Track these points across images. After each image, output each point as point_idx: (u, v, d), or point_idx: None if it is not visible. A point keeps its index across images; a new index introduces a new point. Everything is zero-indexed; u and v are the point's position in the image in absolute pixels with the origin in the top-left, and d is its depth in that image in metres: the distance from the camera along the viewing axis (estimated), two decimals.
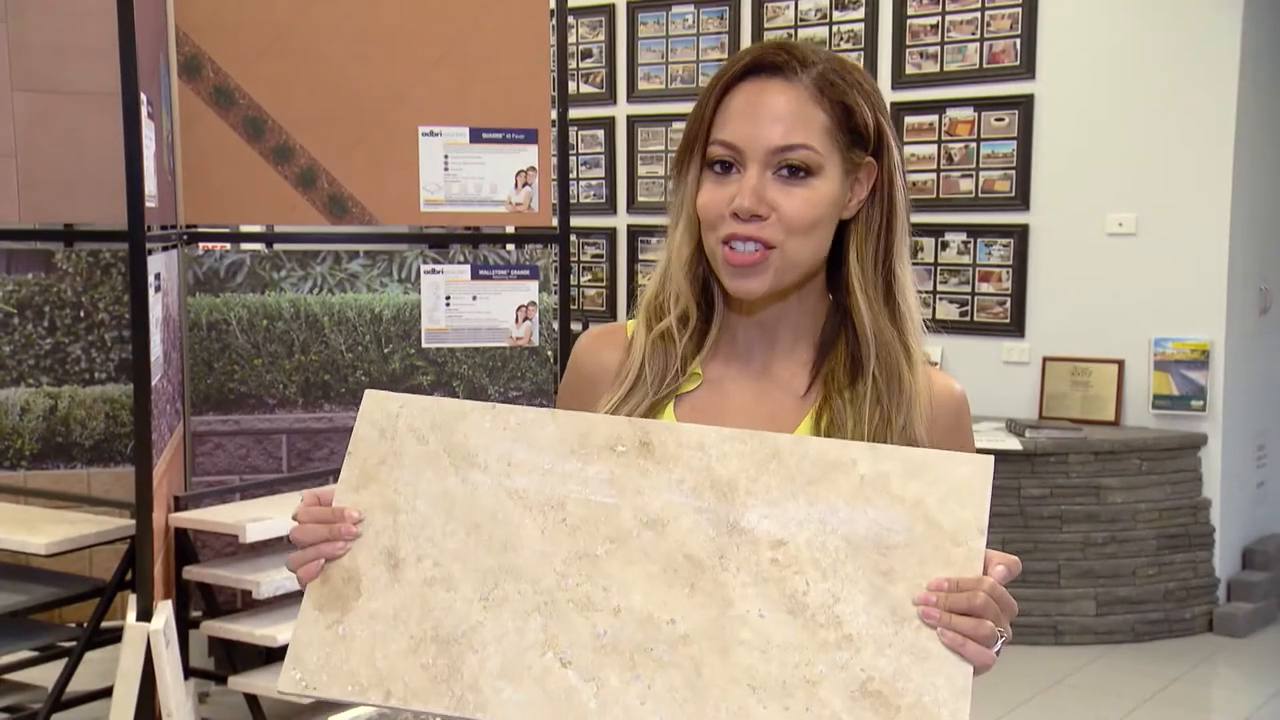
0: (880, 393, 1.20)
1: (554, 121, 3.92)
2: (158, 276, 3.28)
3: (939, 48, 5.36)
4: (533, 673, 1.05)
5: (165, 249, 3.52)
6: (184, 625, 3.34)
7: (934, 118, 5.34)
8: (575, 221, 5.21)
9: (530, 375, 3.95)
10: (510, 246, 4.01)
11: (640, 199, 6.26)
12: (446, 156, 3.85)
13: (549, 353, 3.96)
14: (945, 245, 5.34)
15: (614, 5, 6.27)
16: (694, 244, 1.24)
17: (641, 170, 6.25)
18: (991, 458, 1.07)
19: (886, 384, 1.20)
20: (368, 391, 1.17)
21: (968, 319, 5.31)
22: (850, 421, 1.21)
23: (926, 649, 1.00)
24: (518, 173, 3.89)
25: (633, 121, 6.26)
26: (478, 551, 1.10)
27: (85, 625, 3.33)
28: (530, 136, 3.89)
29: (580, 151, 6.36)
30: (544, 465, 1.11)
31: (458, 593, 1.09)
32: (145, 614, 3.02)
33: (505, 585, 1.08)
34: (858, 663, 1.00)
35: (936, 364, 5.22)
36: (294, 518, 1.13)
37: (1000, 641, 1.01)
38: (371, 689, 1.07)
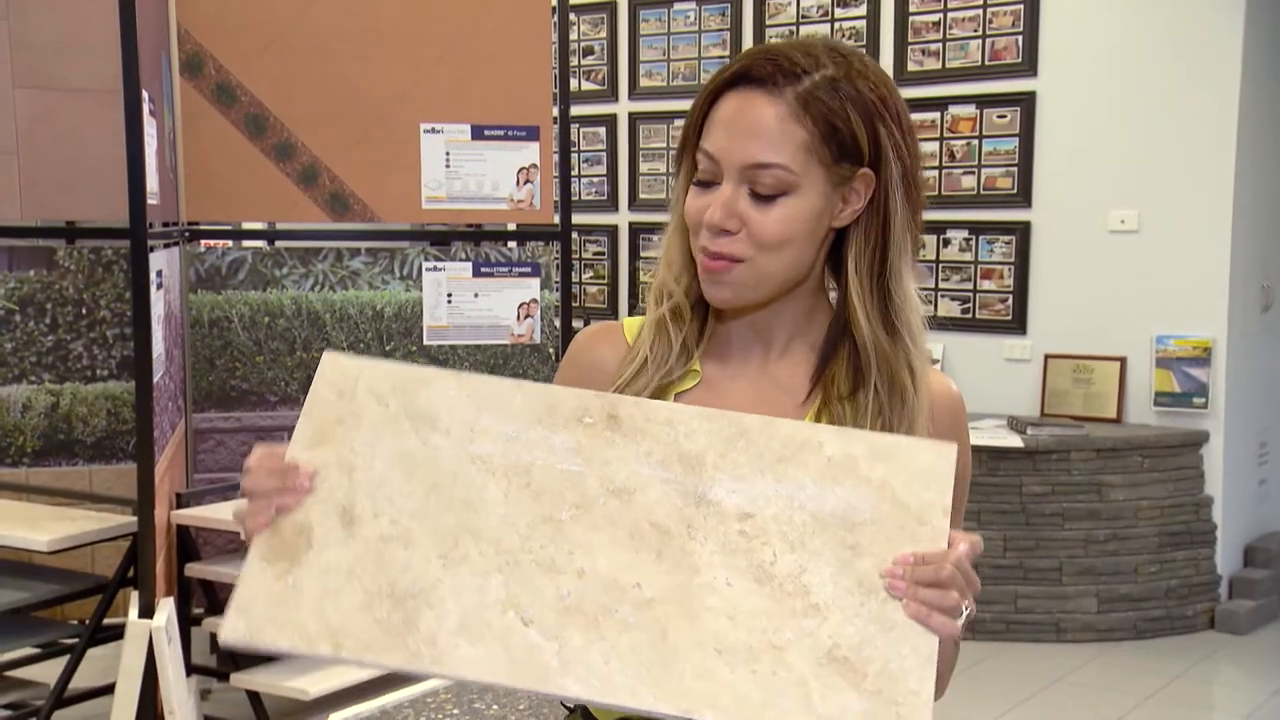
0: (882, 404, 1.20)
1: (555, 119, 3.92)
2: (159, 274, 3.29)
3: (941, 45, 5.35)
4: (493, 630, 1.01)
5: (167, 246, 3.52)
6: (186, 622, 3.34)
7: (936, 115, 5.33)
8: (577, 219, 5.22)
9: (531, 373, 3.95)
10: (512, 244, 4.01)
11: (642, 196, 6.26)
12: (448, 154, 3.85)
13: (550, 350, 3.96)
14: (947, 242, 5.34)
15: (615, 2, 6.27)
16: (683, 242, 1.25)
17: (643, 167, 6.25)
18: (955, 445, 1.08)
19: (889, 396, 1.20)
20: (326, 353, 1.13)
21: (969, 316, 5.31)
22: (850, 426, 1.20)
23: (892, 619, 1.01)
24: (519, 170, 3.89)
25: (634, 119, 6.26)
26: (437, 510, 1.06)
27: (87, 622, 3.33)
28: (532, 134, 3.89)
29: (582, 149, 6.36)
30: (509, 433, 1.08)
31: (415, 550, 1.04)
32: (147, 611, 3.02)
33: (465, 544, 1.05)
34: (825, 630, 1.01)
35: (938, 362, 5.22)
36: (245, 468, 1.08)
37: (965, 615, 1.02)
38: (321, 641, 1.02)
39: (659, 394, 1.24)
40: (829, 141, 1.17)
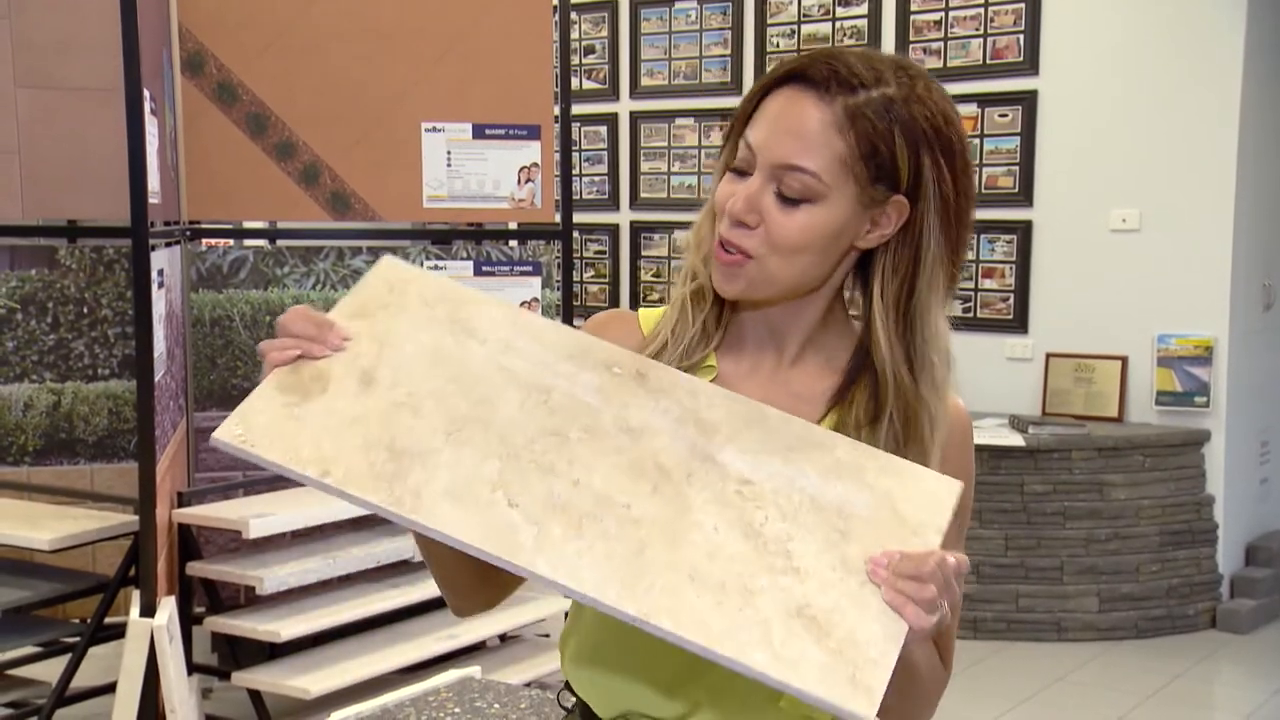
0: (897, 436, 1.17)
1: (557, 118, 3.92)
2: (161, 273, 3.29)
3: (942, 44, 5.35)
4: (478, 501, 1.02)
5: (168, 245, 3.52)
6: (187, 621, 3.34)
7: None
8: (578, 218, 5.22)
9: None
10: (513, 243, 4.01)
11: (643, 195, 6.26)
12: (449, 153, 3.85)
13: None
14: None
15: (617, 1, 6.27)
16: (713, 226, 1.22)
17: (644, 166, 6.24)
18: (961, 483, 1.10)
19: (903, 428, 1.18)
20: (386, 255, 1.16)
21: (971, 315, 5.31)
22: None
23: (867, 600, 1.02)
24: (520, 169, 3.89)
25: (635, 118, 6.26)
26: (454, 397, 1.08)
27: (89, 621, 3.34)
28: (533, 133, 3.89)
29: (583, 148, 6.36)
30: (541, 358, 1.11)
31: (423, 420, 1.06)
32: (148, 610, 3.02)
33: (472, 429, 1.06)
34: (800, 590, 1.01)
35: None
36: (284, 312, 1.10)
37: (939, 614, 1.01)
38: (310, 464, 1.03)
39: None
40: (867, 160, 1.15)
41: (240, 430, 1.04)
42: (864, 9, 5.54)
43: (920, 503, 1.07)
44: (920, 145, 1.15)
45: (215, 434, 1.05)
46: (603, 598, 0.99)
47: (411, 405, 1.07)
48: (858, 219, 1.17)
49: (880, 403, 1.19)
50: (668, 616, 0.99)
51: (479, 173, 3.87)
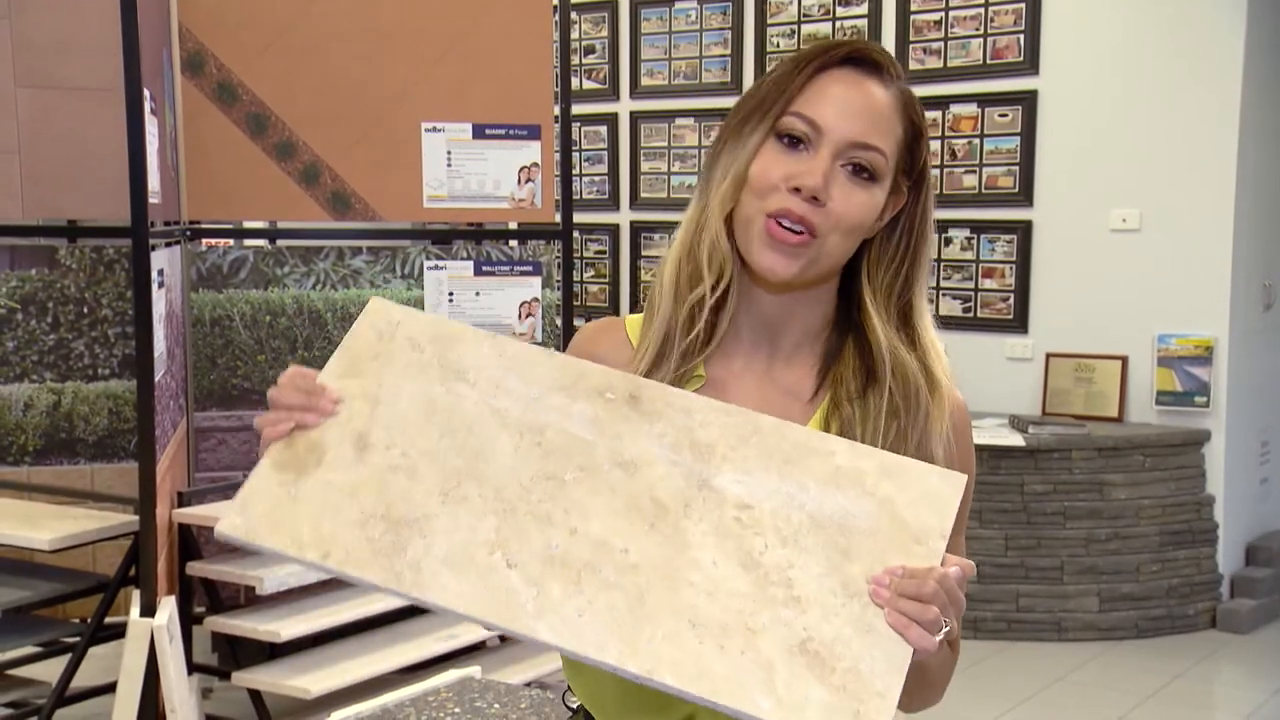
0: (897, 406, 1.18)
1: (557, 118, 3.92)
2: (161, 272, 3.29)
3: (943, 43, 5.35)
4: (477, 567, 1.04)
5: (168, 245, 3.52)
6: (187, 621, 3.34)
7: (937, 113, 5.33)
8: (578, 218, 5.21)
9: None
10: (513, 242, 4.01)
11: (643, 195, 6.26)
12: (449, 153, 3.85)
13: (552, 349, 3.96)
14: (949, 241, 5.34)
15: (617, 1, 6.27)
16: (732, 206, 1.20)
17: (644, 166, 6.24)
18: (964, 476, 1.08)
19: (904, 398, 1.18)
20: (373, 298, 1.17)
21: (971, 315, 5.31)
22: (861, 429, 1.18)
23: (871, 624, 1.02)
24: (520, 169, 3.89)
25: (636, 118, 6.26)
26: (448, 452, 1.09)
27: (89, 621, 3.33)
28: (533, 133, 3.89)
29: (583, 148, 6.36)
30: (531, 394, 1.12)
31: (419, 483, 1.08)
32: (149, 610, 3.02)
33: (467, 486, 1.08)
34: (801, 622, 1.01)
35: None
36: (277, 383, 1.11)
37: (944, 632, 1.01)
38: (310, 548, 1.05)
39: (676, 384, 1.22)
40: (909, 148, 1.20)
41: (240, 520, 1.08)
42: (864, 9, 5.54)
43: (923, 505, 1.06)
44: (927, 136, 1.22)
45: (218, 526, 1.08)
46: (605, 658, 1.00)
47: (407, 467, 1.08)
48: (883, 205, 1.20)
49: (873, 373, 1.19)
50: (670, 670, 1.00)
51: (479, 173, 3.87)
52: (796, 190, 1.15)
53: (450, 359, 1.13)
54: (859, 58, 1.19)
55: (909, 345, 1.20)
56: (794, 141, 1.17)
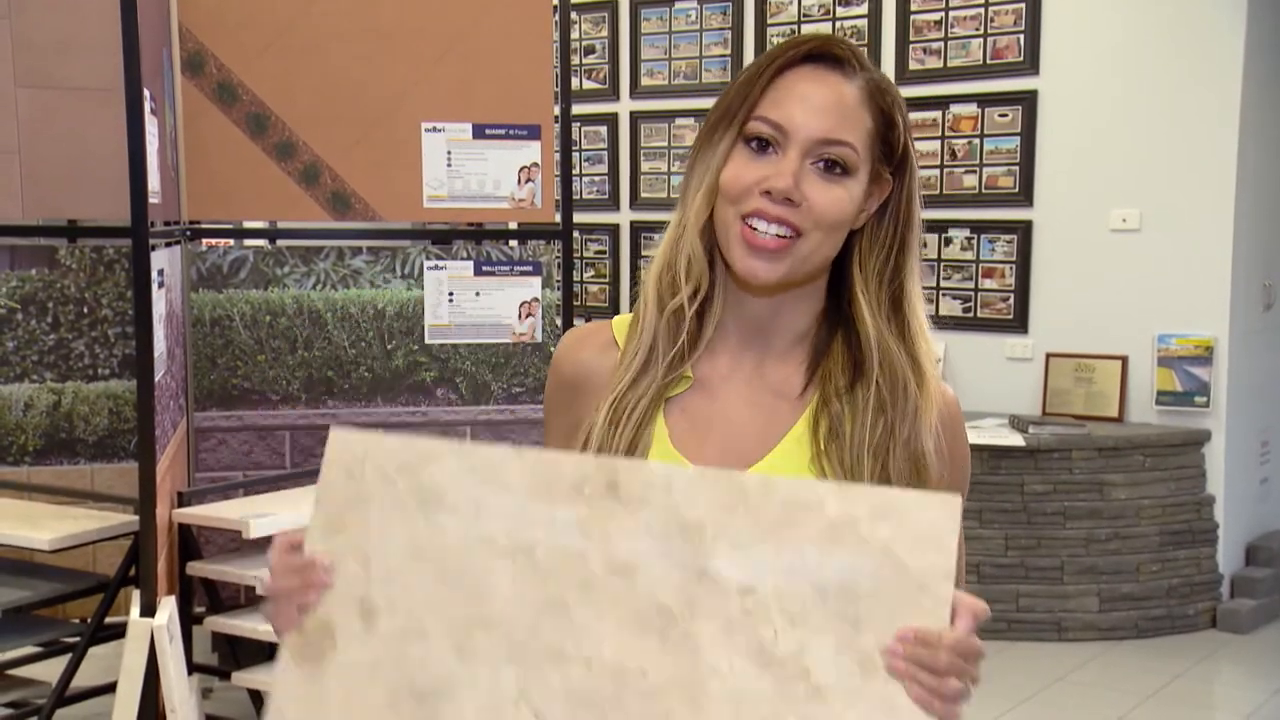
0: (884, 400, 1.17)
1: (557, 118, 3.92)
2: (161, 272, 3.29)
3: (943, 43, 5.35)
4: None
5: (168, 245, 3.52)
6: (187, 621, 3.34)
7: (938, 114, 5.33)
8: (578, 218, 5.21)
9: (533, 371, 3.95)
10: (513, 242, 4.01)
11: (643, 195, 6.26)
12: (449, 153, 3.85)
13: (552, 349, 3.96)
14: (949, 241, 5.34)
15: (617, 1, 6.27)
16: (709, 214, 1.21)
17: (644, 166, 6.24)
18: (959, 498, 1.05)
19: (890, 391, 1.18)
20: (332, 431, 1.14)
21: (971, 315, 5.31)
22: (850, 425, 1.17)
23: (894, 702, 1.00)
24: (520, 169, 3.89)
25: (636, 117, 6.26)
26: (449, 600, 1.09)
27: (89, 621, 3.33)
28: (533, 133, 3.89)
29: (583, 148, 6.36)
30: (512, 508, 1.09)
31: (431, 643, 1.08)
32: (149, 610, 3.02)
33: (478, 635, 1.08)
34: (826, 715, 1.00)
35: (939, 361, 5.22)
36: (269, 567, 1.12)
37: (968, 695, 1.01)
38: None
39: (655, 401, 1.21)
40: (883, 138, 1.19)
41: None
42: (864, 9, 5.54)
43: (922, 544, 1.03)
44: (908, 126, 1.21)
45: None
46: None
47: (415, 629, 1.09)
48: (864, 197, 1.19)
49: (860, 368, 1.19)
50: None
51: (479, 173, 3.87)
52: (768, 193, 1.15)
53: (424, 485, 1.11)
54: (820, 54, 1.19)
55: (898, 335, 1.20)
56: (763, 145, 1.17)
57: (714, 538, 1.05)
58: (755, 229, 1.16)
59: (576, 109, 4.78)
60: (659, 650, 1.04)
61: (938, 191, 5.31)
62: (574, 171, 4.88)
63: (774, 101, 1.17)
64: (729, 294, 1.23)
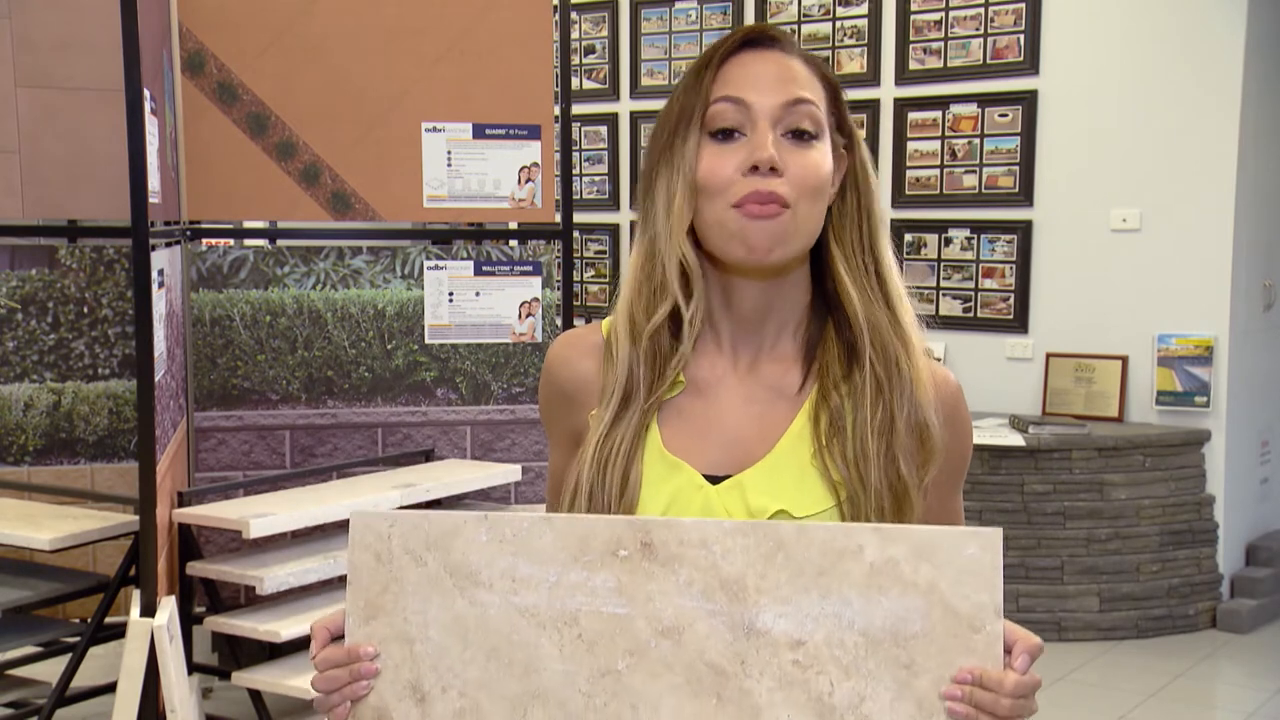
0: (880, 381, 1.17)
1: (557, 117, 3.92)
2: (161, 272, 3.29)
3: (943, 43, 5.35)
4: None
5: (168, 245, 3.52)
6: (187, 621, 3.34)
7: (938, 113, 5.33)
8: (578, 217, 5.22)
9: (533, 371, 3.95)
10: (513, 242, 4.01)
11: None
12: (449, 153, 3.85)
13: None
14: (949, 241, 5.34)
15: (617, 1, 6.27)
16: (691, 218, 1.19)
17: (644, 167, 6.24)
18: (1000, 530, 1.04)
19: (885, 369, 1.17)
20: (353, 515, 1.12)
21: (971, 315, 5.31)
22: (850, 417, 1.17)
23: None
24: (521, 169, 3.89)
25: (636, 117, 6.26)
26: (501, 678, 1.08)
27: (89, 621, 3.33)
28: (533, 132, 3.89)
29: (583, 147, 6.36)
30: (549, 578, 1.08)
31: None
32: (149, 610, 3.02)
33: (534, 712, 1.07)
34: None
35: (940, 359, 5.22)
36: (312, 662, 1.10)
37: None
38: None
39: (647, 415, 1.20)
40: (835, 106, 1.21)
41: None
42: (864, 9, 5.54)
43: (968, 582, 1.03)
44: (843, 95, 1.23)
45: None
46: None
47: (470, 708, 1.08)
48: (835, 160, 1.21)
49: (855, 350, 1.19)
50: None
51: (479, 172, 3.87)
52: (754, 169, 1.15)
53: (456, 564, 1.10)
54: (755, 38, 1.21)
55: (885, 305, 1.20)
56: (728, 134, 1.17)
57: (757, 591, 1.04)
58: (752, 211, 1.15)
59: (576, 109, 4.79)
60: (716, 711, 1.04)
61: (938, 191, 5.30)
62: (574, 171, 4.88)
63: (728, 83, 1.18)
64: (718, 294, 1.23)
